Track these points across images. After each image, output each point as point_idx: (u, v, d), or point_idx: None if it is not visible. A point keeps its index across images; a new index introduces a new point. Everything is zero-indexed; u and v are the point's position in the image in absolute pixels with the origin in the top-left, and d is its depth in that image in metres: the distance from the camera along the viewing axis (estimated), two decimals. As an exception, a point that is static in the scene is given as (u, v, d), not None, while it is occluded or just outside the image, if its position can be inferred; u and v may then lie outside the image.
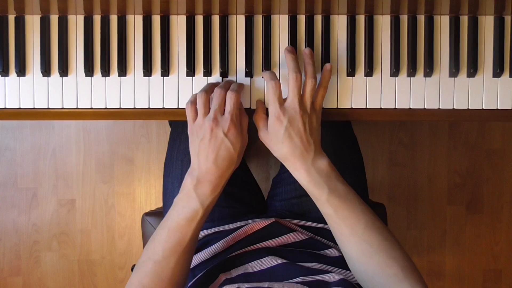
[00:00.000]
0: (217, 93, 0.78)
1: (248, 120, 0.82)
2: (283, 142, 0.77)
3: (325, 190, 0.77)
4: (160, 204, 1.25)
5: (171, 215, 0.79)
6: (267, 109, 0.82)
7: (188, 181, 0.79)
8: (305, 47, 0.85)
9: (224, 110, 0.78)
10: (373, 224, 0.76)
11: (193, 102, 0.80)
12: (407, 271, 0.73)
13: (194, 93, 0.85)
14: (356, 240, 0.76)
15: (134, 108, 0.85)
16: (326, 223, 0.95)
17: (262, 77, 0.85)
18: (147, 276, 0.76)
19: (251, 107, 0.85)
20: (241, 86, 0.83)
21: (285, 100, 0.79)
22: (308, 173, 0.77)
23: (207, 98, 0.79)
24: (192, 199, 0.78)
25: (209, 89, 0.80)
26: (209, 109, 0.78)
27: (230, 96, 0.78)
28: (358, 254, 0.76)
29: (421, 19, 0.85)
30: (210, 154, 0.77)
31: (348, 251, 0.78)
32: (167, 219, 0.79)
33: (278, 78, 0.84)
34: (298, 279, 0.77)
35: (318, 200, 0.78)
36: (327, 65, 0.82)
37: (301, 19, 0.85)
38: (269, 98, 0.78)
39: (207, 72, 0.85)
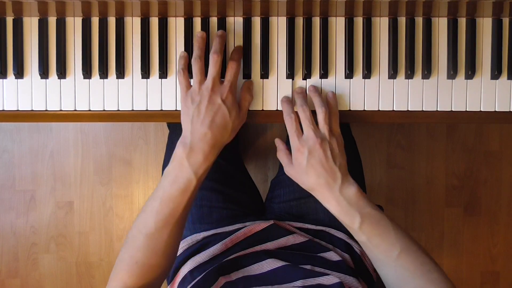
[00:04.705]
0: (213, 60, 0.78)
1: (250, 100, 0.83)
2: (307, 172, 0.78)
3: (356, 218, 0.76)
4: (158, 206, 1.24)
5: (163, 186, 0.76)
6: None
7: (180, 150, 0.76)
8: (303, 48, 0.85)
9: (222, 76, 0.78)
10: (408, 248, 0.75)
11: (185, 69, 0.79)
12: None
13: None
14: (392, 266, 0.75)
15: (132, 110, 0.85)
16: (324, 225, 0.95)
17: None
18: (139, 251, 0.75)
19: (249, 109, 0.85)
20: (239, 52, 0.82)
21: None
22: (338, 203, 0.77)
23: (202, 64, 0.78)
24: (185, 169, 0.75)
25: (202, 54, 0.79)
26: (205, 76, 0.78)
27: (231, 66, 0.78)
28: (394, 279, 0.76)
29: (419, 21, 0.85)
30: (206, 118, 0.76)
31: (385, 275, 0.77)
32: (159, 190, 0.76)
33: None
34: (299, 283, 0.77)
35: (351, 228, 0.78)
36: (329, 93, 0.84)
37: (299, 21, 0.85)
38: (288, 133, 0.81)
39: (205, 74, 0.85)
